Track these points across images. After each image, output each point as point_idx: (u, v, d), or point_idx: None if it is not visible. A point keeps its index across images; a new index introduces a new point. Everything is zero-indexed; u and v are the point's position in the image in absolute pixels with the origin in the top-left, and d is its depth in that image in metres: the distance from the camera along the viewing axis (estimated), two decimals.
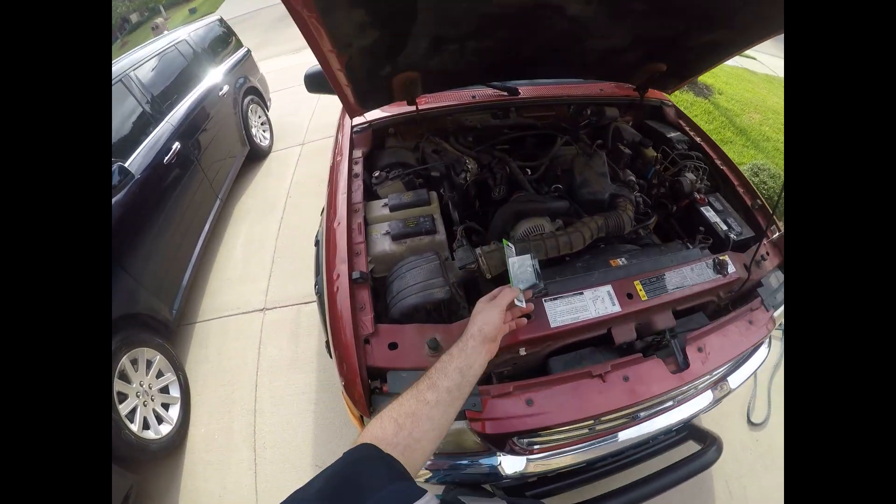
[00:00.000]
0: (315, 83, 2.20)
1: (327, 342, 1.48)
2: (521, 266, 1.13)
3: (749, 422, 2.73)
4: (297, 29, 1.04)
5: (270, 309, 3.03)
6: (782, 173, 4.23)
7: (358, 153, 1.81)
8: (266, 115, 4.99)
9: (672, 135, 2.11)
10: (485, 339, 0.82)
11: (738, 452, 2.59)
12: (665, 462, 1.52)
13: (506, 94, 2.08)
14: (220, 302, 3.22)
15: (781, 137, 5.64)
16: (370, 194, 1.74)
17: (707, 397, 1.53)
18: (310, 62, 1.57)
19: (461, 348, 0.82)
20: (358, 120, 1.89)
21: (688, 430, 1.72)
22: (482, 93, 2.07)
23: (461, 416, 1.12)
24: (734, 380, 1.61)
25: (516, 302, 1.00)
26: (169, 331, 2.74)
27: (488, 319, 0.85)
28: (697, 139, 2.17)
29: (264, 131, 4.96)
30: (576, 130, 1.98)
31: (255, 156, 4.68)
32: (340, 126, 2.05)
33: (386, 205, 1.60)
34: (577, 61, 1.82)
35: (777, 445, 2.73)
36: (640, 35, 1.59)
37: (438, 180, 1.75)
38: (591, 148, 1.81)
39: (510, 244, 1.20)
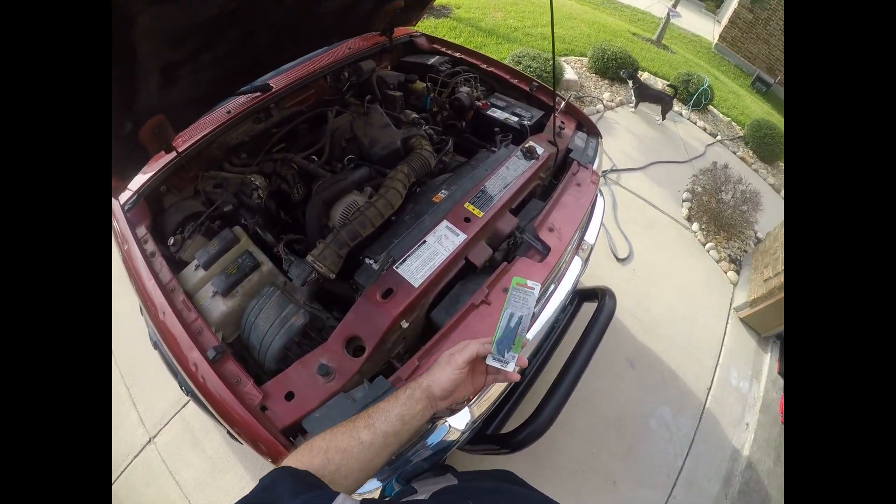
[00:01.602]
0: None
1: (228, 432, 1.33)
2: (510, 327, 0.79)
3: (618, 259, 3.10)
4: None
5: (156, 435, 2.66)
6: (541, 53, 4.65)
7: (142, 230, 1.56)
8: None
9: (432, 61, 2.15)
10: (430, 397, 0.76)
11: (626, 287, 2.93)
12: (577, 333, 1.61)
13: (258, 94, 1.92)
14: None
15: (526, 24, 6.22)
16: (176, 264, 1.52)
17: (577, 263, 1.63)
18: None
19: (409, 395, 0.75)
20: (124, 196, 1.62)
21: (577, 295, 1.86)
22: (235, 104, 1.89)
23: None
24: (590, 236, 1.74)
25: (491, 360, 0.77)
26: None
27: (436, 379, 0.76)
28: (457, 54, 2.25)
29: None
30: (341, 97, 1.91)
31: None
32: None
33: (198, 266, 1.42)
34: (318, 30, 1.73)
35: (650, 264, 3.15)
36: None
37: (235, 213, 1.57)
38: (364, 106, 1.76)
39: (528, 284, 0.81)
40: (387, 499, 1.07)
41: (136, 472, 2.65)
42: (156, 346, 1.63)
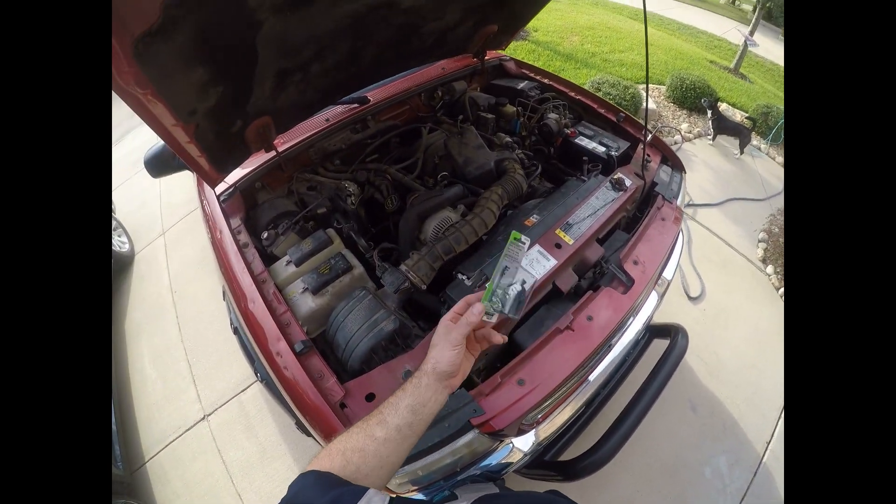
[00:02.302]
0: (159, 165, 1.93)
1: (297, 423, 1.37)
2: (507, 286, 0.86)
3: (689, 298, 3.01)
4: (123, 111, 0.92)
5: (211, 413, 2.77)
6: (619, 80, 4.62)
7: (236, 221, 1.65)
8: (114, 220, 4.47)
9: (521, 85, 2.20)
10: (439, 377, 0.76)
11: (695, 327, 2.84)
12: (645, 369, 1.62)
13: (356, 105, 2.04)
14: (158, 431, 2.87)
15: (603, 48, 6.17)
16: (267, 258, 1.62)
17: (653, 298, 1.63)
18: (137, 147, 1.41)
19: (415, 385, 0.76)
20: (221, 187, 1.74)
21: (649, 331, 1.85)
22: (334, 113, 1.99)
23: (467, 427, 1.09)
24: (668, 272, 1.73)
25: (485, 318, 0.82)
26: (126, 486, 2.42)
27: (441, 357, 0.77)
28: (545, 80, 2.30)
29: (119, 236, 4.44)
30: (434, 115, 2.00)
31: (120, 265, 4.17)
32: (203, 200, 1.83)
33: (290, 262, 1.47)
34: (418, 49, 1.81)
35: (721, 305, 3.04)
36: (470, 5, 1.62)
37: (327, 216, 1.64)
38: (457, 126, 1.83)
39: (521, 240, 0.87)
40: (421, 498, 1.06)
41: (185, 445, 2.77)
42: (236, 331, 1.69)
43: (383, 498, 0.57)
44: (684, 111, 5.05)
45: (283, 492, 0.64)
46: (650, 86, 5.45)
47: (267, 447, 2.52)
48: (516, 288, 0.86)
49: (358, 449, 0.68)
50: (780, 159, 4.85)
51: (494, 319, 0.83)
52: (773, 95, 6.83)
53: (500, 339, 0.84)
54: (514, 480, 1.66)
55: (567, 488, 1.45)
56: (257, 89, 1.29)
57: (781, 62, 9.84)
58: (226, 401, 2.80)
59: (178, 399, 2.98)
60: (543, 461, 1.49)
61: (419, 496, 1.17)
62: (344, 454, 0.67)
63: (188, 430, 2.80)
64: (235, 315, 1.49)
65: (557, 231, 1.38)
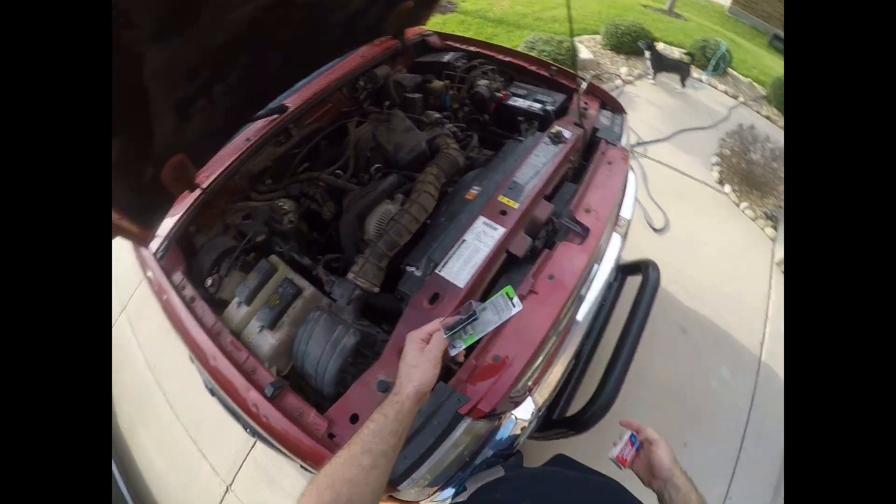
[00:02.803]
0: None
1: (301, 465, 1.33)
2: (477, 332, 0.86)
3: (655, 230, 3.09)
4: None
5: (232, 482, 2.70)
6: (552, 36, 4.60)
7: (178, 276, 1.54)
8: None
9: (447, 58, 2.14)
10: (421, 398, 0.76)
11: (666, 257, 2.88)
12: (626, 308, 1.62)
13: (276, 116, 1.92)
14: None
15: (535, 9, 6.16)
16: (217, 305, 1.49)
17: (616, 239, 1.61)
18: None
19: (397, 410, 0.75)
20: (155, 243, 1.59)
21: (621, 271, 1.84)
22: (253, 130, 1.85)
23: (457, 419, 1.06)
24: (626, 211, 1.72)
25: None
26: None
27: (424, 378, 0.77)
28: (472, 48, 2.24)
29: None
30: (360, 107, 1.92)
31: None
32: (142, 264, 1.66)
33: (240, 303, 1.38)
34: (328, 43, 1.72)
35: (688, 231, 3.13)
36: None
37: (268, 242, 1.55)
38: (384, 113, 1.77)
39: (513, 301, 0.85)
40: None
41: None
42: (212, 392, 1.55)
43: None
44: (622, 56, 5.05)
45: None
46: (587, 37, 5.44)
47: (295, 494, 2.46)
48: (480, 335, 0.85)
49: (346, 480, 0.67)
50: (722, 87, 4.98)
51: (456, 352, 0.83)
52: (709, 30, 7.00)
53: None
54: (532, 447, 1.66)
55: (588, 440, 1.47)
56: (158, 129, 1.19)
57: None
58: (241, 463, 2.70)
59: (195, 481, 2.84)
60: (553, 420, 1.47)
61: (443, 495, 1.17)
62: (332, 487, 0.66)
63: None
64: (206, 376, 1.38)
65: (500, 198, 1.33)
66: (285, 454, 1.21)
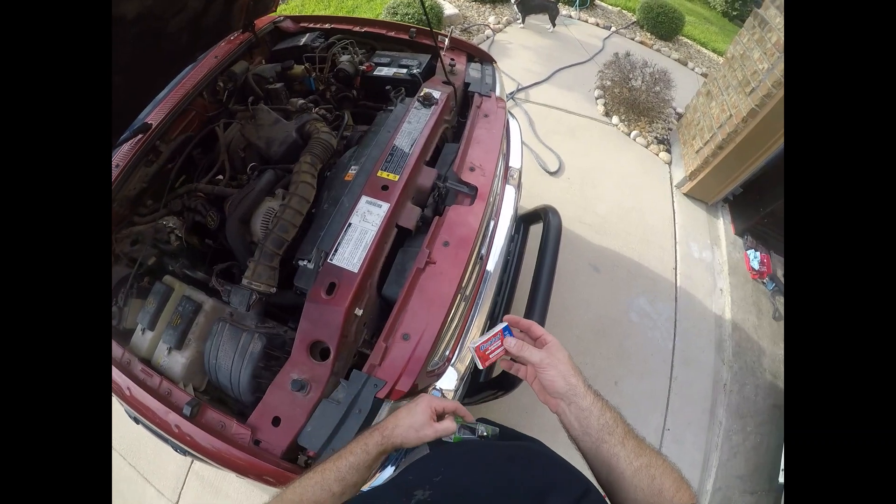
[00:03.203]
0: None
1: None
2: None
3: (549, 173, 3.14)
4: None
5: (178, 500, 2.61)
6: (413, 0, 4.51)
7: None
8: None
9: (304, 40, 2.05)
10: (397, 448, 0.76)
11: (566, 197, 2.98)
12: (533, 253, 1.65)
13: (139, 136, 1.78)
14: None
15: None
16: (123, 335, 1.45)
17: (510, 191, 1.63)
18: None
19: (381, 452, 0.74)
20: None
21: (521, 220, 1.88)
22: (120, 155, 1.74)
23: (378, 403, 1.07)
24: (514, 161, 1.74)
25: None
26: None
27: (409, 439, 0.75)
28: (327, 25, 2.15)
29: None
30: (225, 108, 1.80)
31: None
32: None
33: (143, 329, 1.38)
34: (175, 51, 1.60)
35: (583, 168, 3.21)
36: None
37: (160, 263, 1.50)
38: (249, 110, 1.66)
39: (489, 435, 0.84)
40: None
41: None
42: (136, 421, 1.58)
43: None
44: (488, 5, 5.06)
45: None
46: None
47: (240, 499, 2.45)
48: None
49: (313, 502, 0.67)
50: (593, 20, 5.12)
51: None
52: None
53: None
54: (473, 412, 1.69)
55: (518, 396, 1.50)
56: None
57: None
58: (183, 480, 2.66)
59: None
60: (480, 384, 1.50)
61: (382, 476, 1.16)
62: None
63: None
64: (127, 407, 1.37)
65: (379, 173, 1.30)
66: (218, 468, 1.20)
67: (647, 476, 0.60)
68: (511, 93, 3.71)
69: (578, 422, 0.68)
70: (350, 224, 1.22)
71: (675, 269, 2.74)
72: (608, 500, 0.61)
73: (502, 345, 0.78)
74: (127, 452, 2.83)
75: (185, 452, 1.37)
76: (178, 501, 2.54)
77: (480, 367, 0.79)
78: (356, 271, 1.15)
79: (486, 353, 0.78)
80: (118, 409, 2.45)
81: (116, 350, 1.32)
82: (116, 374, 1.25)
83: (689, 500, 0.58)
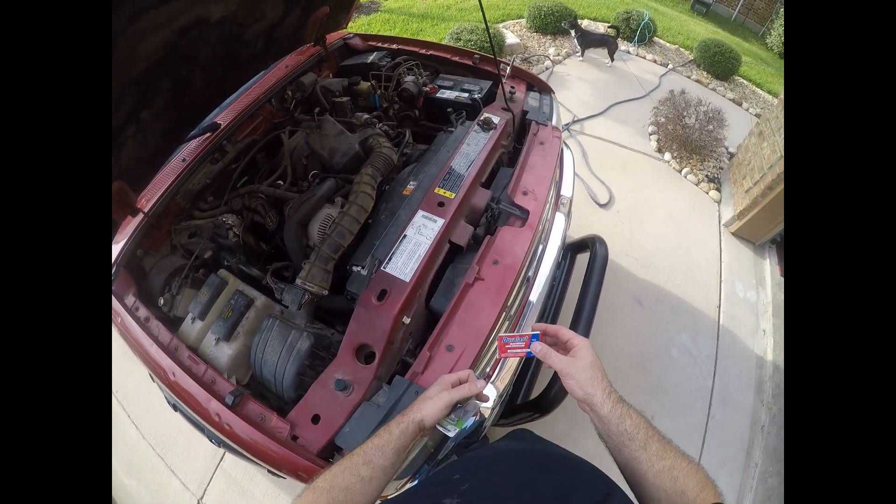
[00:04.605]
0: None
1: (269, 470, 1.33)
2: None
3: (599, 205, 3.13)
4: None
5: (203, 496, 2.63)
6: (476, 25, 4.63)
7: (130, 299, 1.55)
8: None
9: (371, 58, 2.14)
10: (422, 429, 0.79)
11: (614, 230, 2.96)
12: (577, 283, 1.64)
13: (208, 134, 1.90)
14: None
15: (457, 0, 6.15)
16: (172, 323, 1.52)
17: (560, 219, 1.64)
18: None
19: (403, 430, 0.77)
20: None
21: (569, 249, 1.88)
22: (188, 150, 1.86)
23: None
24: (566, 189, 1.75)
25: (439, 428, 0.83)
26: None
27: (429, 413, 0.79)
28: (394, 46, 2.24)
29: None
30: (291, 116, 1.90)
31: None
32: None
33: (194, 318, 1.43)
34: (250, 57, 1.71)
35: (632, 202, 3.18)
36: None
37: (216, 257, 1.58)
38: (315, 120, 1.75)
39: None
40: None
41: None
42: (175, 407, 1.61)
43: None
44: (549, 37, 5.14)
45: None
46: (511, 21, 5.51)
47: (266, 501, 2.46)
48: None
49: (344, 488, 0.69)
50: (651, 56, 5.11)
51: (451, 434, 0.83)
52: (631, 1, 7.12)
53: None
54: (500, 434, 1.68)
55: (553, 420, 1.48)
56: None
57: None
58: (210, 476, 2.68)
59: (166, 497, 2.80)
60: (517, 405, 1.50)
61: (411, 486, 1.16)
62: (330, 492, 0.68)
63: None
64: (168, 392, 1.41)
65: (437, 190, 1.34)
66: (253, 461, 1.23)
67: (670, 478, 0.61)
68: (567, 124, 3.74)
69: (600, 426, 0.73)
70: (405, 236, 1.26)
71: (719, 307, 2.67)
72: (636, 502, 0.62)
73: (525, 347, 0.83)
74: (157, 443, 2.88)
75: (220, 443, 1.40)
76: (202, 497, 2.56)
77: (498, 356, 0.83)
78: (408, 280, 1.18)
79: (507, 346, 0.84)
80: (155, 396, 2.53)
81: (164, 336, 1.38)
82: (162, 359, 1.30)
83: (714, 499, 0.58)
